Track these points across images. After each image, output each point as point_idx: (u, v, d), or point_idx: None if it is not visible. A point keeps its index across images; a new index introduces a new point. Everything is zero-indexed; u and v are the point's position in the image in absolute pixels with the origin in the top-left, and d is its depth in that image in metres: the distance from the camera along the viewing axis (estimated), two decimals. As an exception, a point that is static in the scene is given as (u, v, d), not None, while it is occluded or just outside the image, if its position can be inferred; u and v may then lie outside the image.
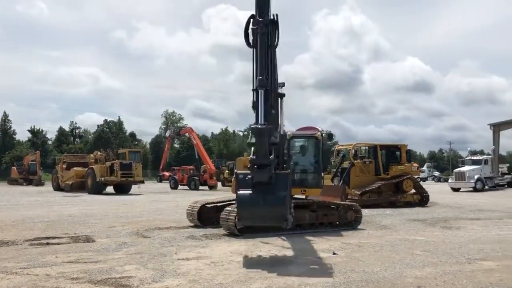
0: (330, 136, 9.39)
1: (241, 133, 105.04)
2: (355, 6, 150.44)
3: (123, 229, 11.48)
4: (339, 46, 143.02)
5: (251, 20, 8.86)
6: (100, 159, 31.90)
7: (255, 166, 7.50)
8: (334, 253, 8.17)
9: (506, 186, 37.12)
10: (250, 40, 8.86)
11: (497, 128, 44.48)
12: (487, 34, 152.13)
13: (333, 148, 26.87)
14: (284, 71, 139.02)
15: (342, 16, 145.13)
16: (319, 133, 12.20)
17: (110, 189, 31.33)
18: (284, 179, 7.67)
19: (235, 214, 10.05)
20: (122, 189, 31.17)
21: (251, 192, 7.45)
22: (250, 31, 8.82)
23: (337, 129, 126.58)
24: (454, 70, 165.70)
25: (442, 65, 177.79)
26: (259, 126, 7.74)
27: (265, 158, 7.53)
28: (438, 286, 5.99)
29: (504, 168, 42.10)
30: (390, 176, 20.25)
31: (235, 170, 8.24)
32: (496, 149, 43.67)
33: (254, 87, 8.29)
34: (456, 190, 34.38)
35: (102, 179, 30.01)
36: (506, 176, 39.19)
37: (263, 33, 8.42)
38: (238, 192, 7.59)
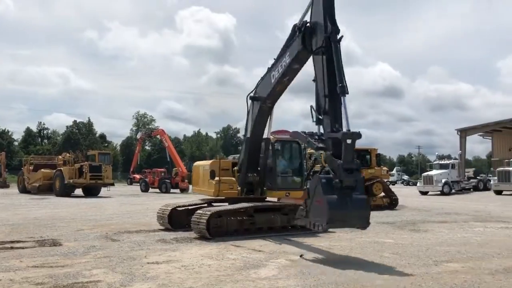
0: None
1: (214, 136, 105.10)
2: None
3: (92, 233, 11.25)
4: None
5: (306, 25, 9.11)
6: (69, 160, 31.20)
7: (346, 171, 7.71)
8: (301, 256, 8.20)
9: (471, 189, 38.16)
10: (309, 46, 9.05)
11: (463, 133, 45.70)
12: (454, 42, 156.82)
13: (305, 152, 27.04)
14: (258, 75, 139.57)
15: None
16: None
17: (78, 191, 30.67)
18: (361, 183, 8.01)
19: (206, 217, 10.04)
20: (91, 191, 30.52)
21: (338, 196, 7.69)
22: (316, 40, 8.86)
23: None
24: (422, 76, 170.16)
25: (411, 71, 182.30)
26: (350, 132, 7.99)
27: (353, 163, 7.85)
28: (405, 287, 6.10)
29: (470, 172, 43.27)
30: (360, 180, 20.47)
31: (318, 174, 8.41)
32: (462, 154, 44.87)
33: (325, 93, 8.41)
34: (424, 193, 35.15)
35: (71, 181, 29.35)
36: (472, 180, 40.30)
37: (339, 40, 8.54)
38: (326, 196, 7.72)
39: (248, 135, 11.38)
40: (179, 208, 12.01)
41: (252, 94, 11.08)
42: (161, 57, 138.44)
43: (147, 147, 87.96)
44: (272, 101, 10.98)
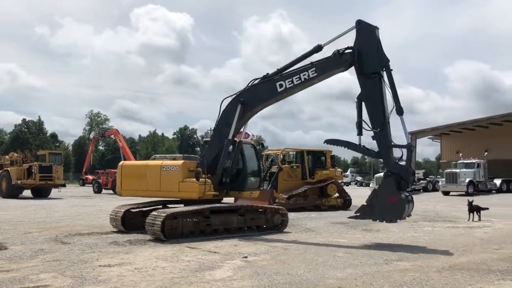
0: (261, 145, 11.16)
1: (170, 136, 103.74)
2: (285, 14, 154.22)
3: (40, 235, 10.83)
4: (269, 53, 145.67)
5: (352, 51, 10.44)
6: (17, 160, 29.99)
7: (412, 175, 10.18)
8: (245, 257, 8.22)
9: (421, 190, 39.58)
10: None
11: (414, 136, 47.23)
12: (406, 48, 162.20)
13: (262, 153, 27.22)
14: (215, 75, 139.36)
15: (272, 23, 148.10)
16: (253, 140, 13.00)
17: (27, 193, 29.50)
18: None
19: (161, 219, 9.90)
20: (40, 193, 29.49)
21: (405, 195, 9.87)
22: (367, 66, 10.32)
23: (267, 134, 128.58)
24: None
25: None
26: (411, 144, 10.37)
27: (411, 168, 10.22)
28: (357, 286, 6.24)
29: (420, 173, 44.80)
30: (316, 181, 20.86)
31: (388, 177, 10.16)
32: (413, 156, 46.40)
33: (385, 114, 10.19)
34: (376, 194, 36.09)
35: (18, 182, 28.24)
36: (421, 181, 41.78)
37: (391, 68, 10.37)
38: (402, 195, 9.79)
39: (230, 137, 11.39)
40: (133, 210, 11.78)
41: (242, 99, 11.31)
42: (116, 55, 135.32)
43: (100, 147, 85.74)
44: (263, 107, 11.68)
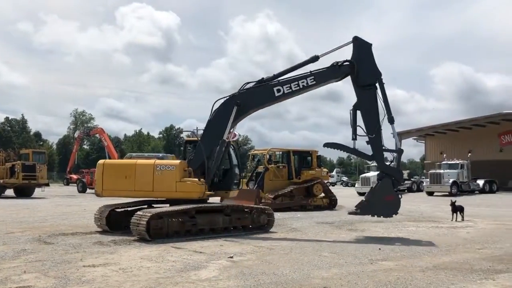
0: (237, 143, 11.57)
1: (156, 135, 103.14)
2: (271, 14, 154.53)
3: (23, 235, 10.69)
4: (255, 53, 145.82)
5: (349, 64, 11.48)
6: (-1, 159, 29.54)
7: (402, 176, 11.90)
8: (231, 257, 8.22)
9: (406, 191, 39.91)
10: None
11: (399, 137, 47.72)
12: (390, 50, 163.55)
13: (249, 153, 27.22)
14: (202, 74, 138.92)
15: (258, 23, 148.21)
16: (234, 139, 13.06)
17: (10, 192, 29.06)
18: None
19: (147, 219, 9.84)
20: (24, 192, 29.11)
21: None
22: (363, 78, 11.44)
23: (253, 134, 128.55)
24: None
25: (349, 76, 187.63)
26: (401, 149, 11.74)
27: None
28: (342, 286, 6.28)
29: (404, 174, 45.27)
30: (302, 181, 20.93)
31: (385, 178, 11.43)
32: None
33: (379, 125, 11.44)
34: (362, 194, 36.26)
35: (1, 181, 27.94)
36: (406, 182, 42.15)
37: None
38: (397, 194, 11.31)
39: (225, 138, 11.56)
40: (117, 210, 11.69)
41: (238, 101, 11.59)
42: (101, 53, 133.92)
43: (85, 146, 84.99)
44: (257, 110, 12.28)
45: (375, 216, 11.58)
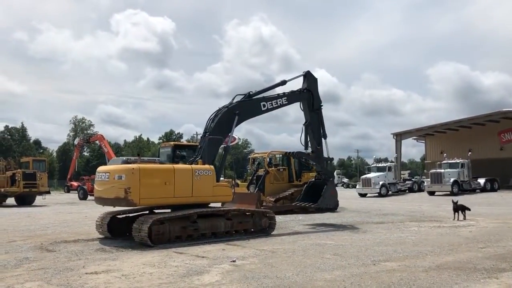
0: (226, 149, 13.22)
1: (156, 141, 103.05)
2: (266, 17, 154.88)
3: (25, 244, 10.67)
4: (251, 56, 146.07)
5: (309, 92, 14.94)
6: (0, 168, 29.50)
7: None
8: (233, 261, 8.21)
9: (407, 191, 39.94)
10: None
11: (399, 137, 47.73)
12: (387, 51, 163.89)
13: (249, 156, 27.23)
14: (198, 79, 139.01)
15: (253, 26, 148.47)
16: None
17: (11, 201, 29.03)
18: None
19: (148, 224, 9.84)
20: (25, 200, 29.03)
21: None
22: (313, 103, 15.07)
23: (252, 137, 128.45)
24: (356, 82, 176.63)
25: (346, 77, 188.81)
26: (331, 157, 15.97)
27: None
28: (346, 287, 6.27)
29: (405, 174, 45.31)
30: (303, 183, 20.87)
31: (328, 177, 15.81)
32: (398, 157, 46.88)
33: (322, 136, 15.47)
34: (363, 195, 36.40)
35: (2, 190, 27.85)
36: (407, 182, 42.19)
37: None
38: (336, 189, 15.99)
39: (229, 144, 13.46)
40: (119, 216, 11.68)
41: (237, 111, 12.79)
42: (97, 60, 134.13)
43: (85, 153, 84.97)
44: (250, 118, 13.88)
45: (328, 207, 16.07)
